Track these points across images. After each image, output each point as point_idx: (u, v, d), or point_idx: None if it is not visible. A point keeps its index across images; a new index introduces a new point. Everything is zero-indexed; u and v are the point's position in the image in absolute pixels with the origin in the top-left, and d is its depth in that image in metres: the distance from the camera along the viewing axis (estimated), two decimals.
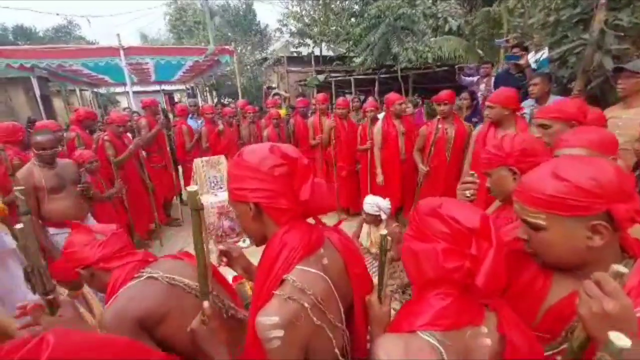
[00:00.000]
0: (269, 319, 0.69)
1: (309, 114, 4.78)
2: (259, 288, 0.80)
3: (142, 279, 1.10)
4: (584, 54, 2.85)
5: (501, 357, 0.68)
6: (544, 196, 0.70)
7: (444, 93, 3.16)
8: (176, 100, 12.95)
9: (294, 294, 0.72)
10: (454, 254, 0.69)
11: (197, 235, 0.75)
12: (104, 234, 1.22)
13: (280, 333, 0.68)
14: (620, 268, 0.56)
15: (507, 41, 5.01)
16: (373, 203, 2.71)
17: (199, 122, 4.89)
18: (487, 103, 2.44)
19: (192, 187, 0.74)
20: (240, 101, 5.12)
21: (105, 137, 3.46)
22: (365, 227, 2.97)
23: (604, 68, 2.76)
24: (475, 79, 4.95)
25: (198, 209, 0.74)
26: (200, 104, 7.05)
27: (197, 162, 4.37)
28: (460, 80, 5.35)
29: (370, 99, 5.37)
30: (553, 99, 3.09)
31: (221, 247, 1.11)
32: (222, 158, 4.50)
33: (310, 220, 0.90)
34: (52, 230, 2.42)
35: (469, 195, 1.28)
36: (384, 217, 2.74)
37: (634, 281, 0.70)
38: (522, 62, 3.92)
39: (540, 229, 0.74)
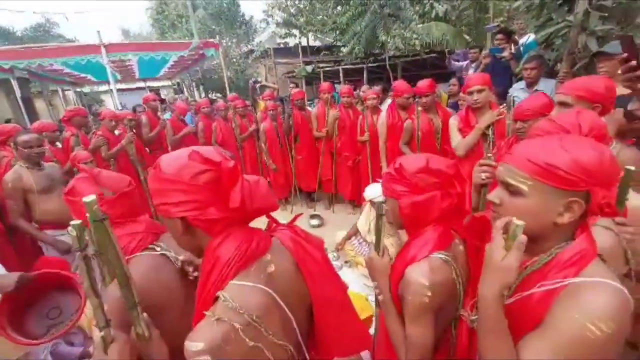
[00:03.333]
0: (195, 345, 0.65)
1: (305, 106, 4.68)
2: (196, 306, 0.76)
3: (154, 253, 1.02)
4: (569, 36, 2.86)
5: (466, 255, 1.02)
6: (542, 163, 0.70)
7: (423, 85, 3.07)
8: (163, 96, 12.71)
9: (224, 315, 0.67)
10: (446, 196, 0.97)
11: (109, 249, 0.68)
12: (113, 190, 1.07)
13: (207, 359, 0.64)
14: (516, 221, 0.69)
15: (497, 26, 5.00)
16: (377, 193, 2.71)
17: (196, 117, 4.83)
18: (475, 87, 2.39)
19: (88, 197, 0.66)
20: (230, 95, 5.03)
21: (99, 133, 3.41)
22: (364, 214, 2.99)
23: (589, 49, 2.77)
24: (464, 64, 4.94)
25: (100, 220, 0.66)
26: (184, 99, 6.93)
27: None
28: (450, 65, 5.34)
29: (364, 87, 5.33)
30: (544, 82, 3.11)
31: (182, 257, 1.03)
32: None
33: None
34: (49, 232, 2.39)
35: (484, 178, 1.26)
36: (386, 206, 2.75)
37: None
38: (505, 54, 3.91)
39: (519, 194, 0.73)
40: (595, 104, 1.46)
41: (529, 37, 4.14)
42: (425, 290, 0.89)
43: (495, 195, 0.79)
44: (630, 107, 1.40)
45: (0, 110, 10.04)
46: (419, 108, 3.18)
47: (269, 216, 0.88)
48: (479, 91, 2.38)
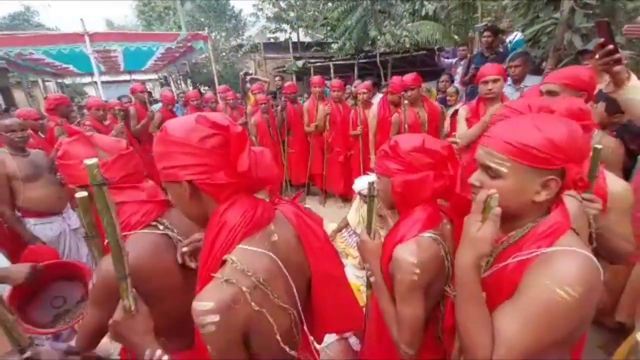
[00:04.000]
0: (204, 305, 0.65)
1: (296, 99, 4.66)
2: (200, 272, 0.75)
3: (156, 232, 0.96)
4: (555, 33, 2.95)
5: (453, 234, 1.04)
6: (517, 144, 0.71)
7: (408, 78, 3.09)
8: (148, 89, 12.43)
9: (232, 277, 0.68)
10: (439, 177, 0.98)
11: (105, 214, 0.66)
12: (109, 152, 0.99)
13: (215, 318, 0.64)
14: (492, 193, 0.72)
15: (486, 25, 5.10)
16: (369, 184, 2.72)
17: (185, 110, 4.75)
18: (491, 77, 2.32)
19: (90, 160, 0.65)
20: (221, 87, 4.96)
21: (87, 123, 3.30)
22: (354, 207, 3.01)
23: (574, 46, 2.86)
24: (453, 61, 5.02)
25: (100, 184, 0.64)
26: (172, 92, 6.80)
27: None
28: (439, 62, 5.41)
29: (356, 82, 5.34)
30: (530, 79, 3.19)
31: (184, 249, 0.98)
32: None
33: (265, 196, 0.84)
34: (32, 220, 2.31)
35: None
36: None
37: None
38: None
39: (498, 176, 0.74)
40: (581, 92, 1.51)
41: (516, 36, 4.24)
42: (414, 268, 0.90)
43: (476, 178, 0.80)
44: (605, 89, 1.43)
45: None
46: (405, 101, 3.22)
47: (272, 191, 0.88)
48: (494, 81, 2.31)
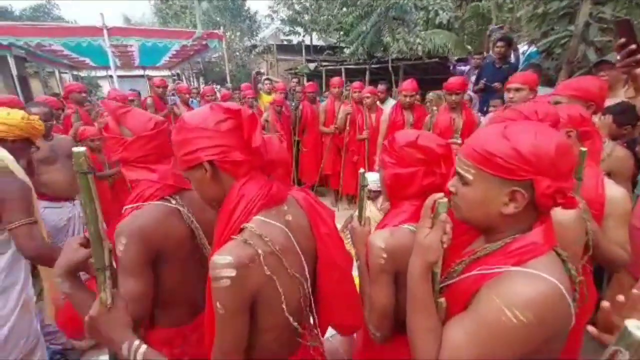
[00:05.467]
0: (223, 258, 0.68)
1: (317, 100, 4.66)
2: (217, 239, 0.79)
3: (169, 205, 1.02)
4: (569, 46, 2.94)
5: None
6: (480, 150, 0.69)
7: (455, 82, 2.90)
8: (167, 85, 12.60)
9: (250, 239, 0.72)
10: (429, 174, 0.98)
11: (87, 203, 0.65)
12: (133, 131, 1.05)
13: (232, 273, 0.68)
14: (439, 199, 0.71)
15: (501, 27, 5.09)
16: (376, 179, 2.75)
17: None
18: (514, 85, 2.15)
19: (78, 148, 0.64)
20: (244, 84, 4.99)
21: (105, 114, 3.38)
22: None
23: (587, 59, 2.86)
24: (465, 69, 5.03)
25: (85, 172, 0.64)
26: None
27: None
28: (454, 71, 5.43)
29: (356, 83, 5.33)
30: (542, 90, 3.18)
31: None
32: None
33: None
34: (44, 203, 2.36)
35: None
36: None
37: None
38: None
39: (467, 183, 0.73)
40: (589, 102, 1.50)
41: (532, 47, 4.23)
42: (381, 252, 0.92)
43: (452, 184, 0.79)
44: (625, 94, 1.41)
45: None
46: (434, 108, 3.17)
47: (285, 179, 0.92)
48: (517, 89, 2.13)
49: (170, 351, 1.06)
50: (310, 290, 0.85)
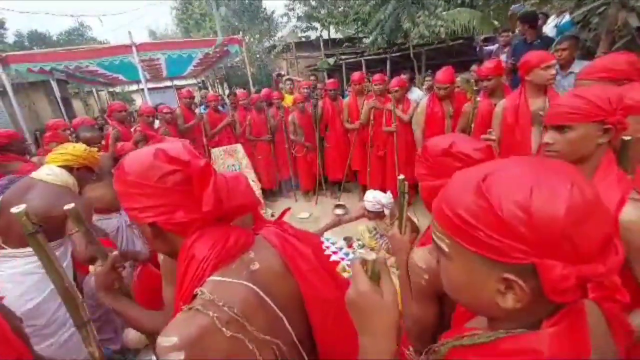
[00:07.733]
0: (167, 340, 0.58)
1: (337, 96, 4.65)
2: (175, 310, 0.69)
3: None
4: (607, 14, 2.71)
5: None
6: (453, 215, 0.47)
7: (486, 67, 2.71)
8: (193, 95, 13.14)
9: (203, 307, 0.61)
10: None
11: (46, 264, 0.60)
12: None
13: (180, 356, 0.56)
14: (367, 256, 0.54)
15: (522, 6, 4.76)
16: (374, 200, 2.70)
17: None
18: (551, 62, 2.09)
19: (17, 208, 0.59)
20: (265, 90, 5.14)
21: (138, 128, 3.60)
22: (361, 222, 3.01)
23: (629, 26, 2.62)
24: (493, 48, 4.76)
25: (32, 232, 0.58)
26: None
27: (216, 152, 4.49)
28: (480, 53, 5.17)
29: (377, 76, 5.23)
30: (579, 64, 2.96)
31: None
32: (239, 147, 4.60)
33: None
34: (97, 216, 2.58)
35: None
36: (387, 212, 2.74)
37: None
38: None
39: (445, 255, 0.52)
40: (622, 81, 1.37)
41: (564, 18, 3.94)
42: (422, 272, 0.89)
43: (431, 250, 0.58)
44: None
45: (41, 109, 10.75)
46: (477, 98, 2.95)
47: (255, 214, 0.84)
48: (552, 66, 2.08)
49: None
50: (302, 342, 0.75)
